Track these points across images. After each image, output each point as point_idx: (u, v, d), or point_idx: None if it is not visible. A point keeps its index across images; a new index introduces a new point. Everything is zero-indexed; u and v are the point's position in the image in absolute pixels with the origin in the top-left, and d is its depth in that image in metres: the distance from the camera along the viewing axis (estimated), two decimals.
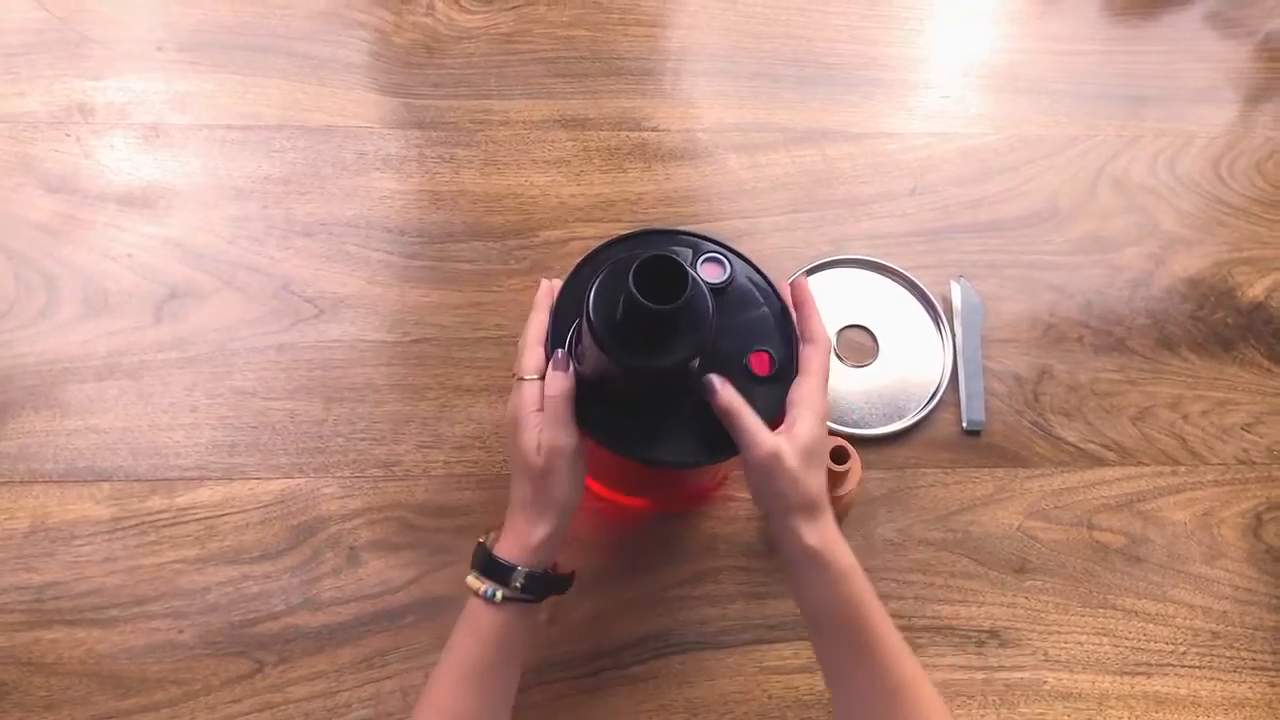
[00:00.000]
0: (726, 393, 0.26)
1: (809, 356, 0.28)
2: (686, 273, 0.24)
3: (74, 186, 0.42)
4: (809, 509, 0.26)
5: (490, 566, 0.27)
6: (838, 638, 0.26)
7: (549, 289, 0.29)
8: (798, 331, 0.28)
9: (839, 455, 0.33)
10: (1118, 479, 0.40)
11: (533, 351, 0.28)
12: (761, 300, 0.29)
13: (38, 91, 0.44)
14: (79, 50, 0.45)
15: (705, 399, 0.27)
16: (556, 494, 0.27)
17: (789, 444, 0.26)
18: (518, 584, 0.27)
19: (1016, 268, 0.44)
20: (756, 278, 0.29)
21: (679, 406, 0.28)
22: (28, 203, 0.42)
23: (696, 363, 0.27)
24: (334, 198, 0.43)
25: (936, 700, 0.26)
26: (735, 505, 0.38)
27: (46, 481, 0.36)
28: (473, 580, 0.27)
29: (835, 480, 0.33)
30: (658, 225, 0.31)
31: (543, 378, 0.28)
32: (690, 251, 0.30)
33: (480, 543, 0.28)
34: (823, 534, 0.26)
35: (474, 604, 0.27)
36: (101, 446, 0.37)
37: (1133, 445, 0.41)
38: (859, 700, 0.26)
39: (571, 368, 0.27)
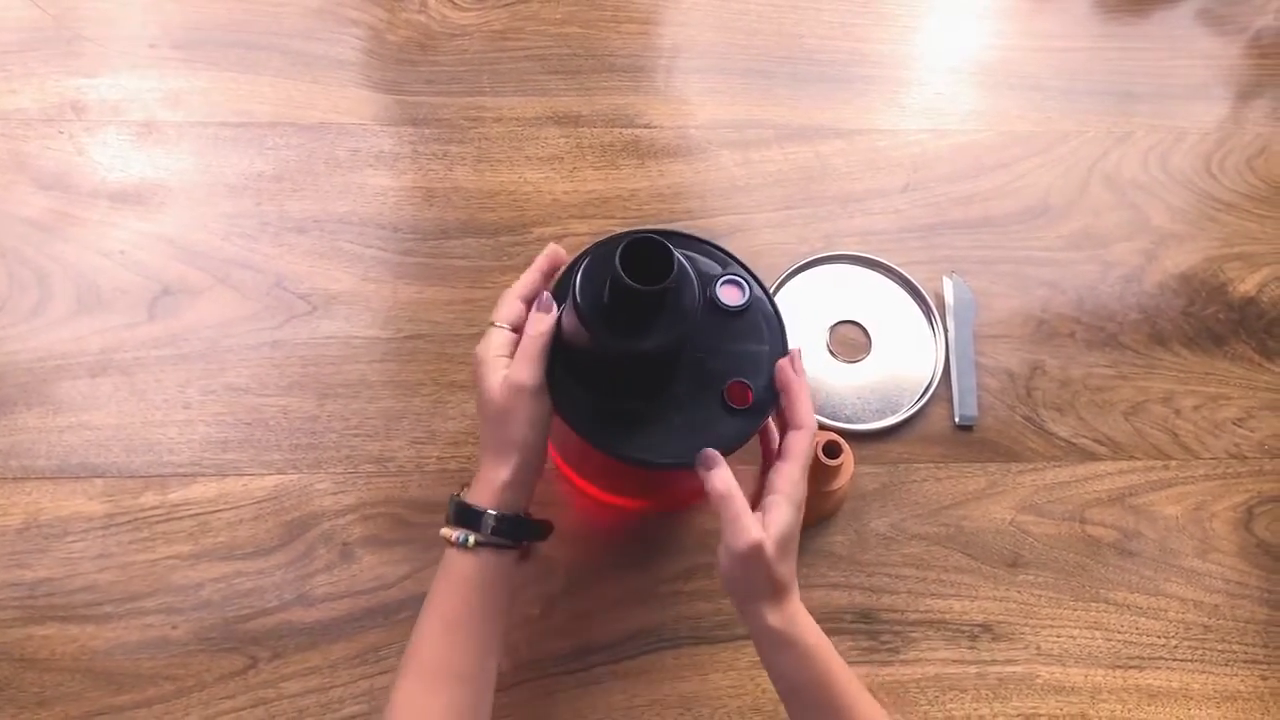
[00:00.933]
0: (723, 475, 0.26)
1: (794, 441, 0.27)
2: (673, 255, 0.24)
3: (67, 184, 0.42)
4: (776, 594, 0.26)
5: (462, 512, 0.27)
6: (807, 702, 0.26)
7: (554, 253, 0.29)
8: (786, 416, 0.27)
9: (831, 450, 0.32)
10: (1110, 473, 0.40)
11: (512, 303, 0.28)
12: (765, 337, 0.29)
13: (30, 89, 0.44)
14: (72, 47, 0.45)
15: (696, 400, 0.27)
16: (515, 434, 0.27)
17: (769, 535, 0.25)
18: (489, 528, 0.26)
19: (1009, 263, 0.44)
20: (770, 313, 0.29)
21: (664, 406, 0.28)
22: (20, 200, 0.41)
23: (681, 352, 0.27)
24: (327, 194, 0.43)
25: None
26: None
27: (39, 478, 0.36)
28: (446, 530, 0.27)
29: (828, 475, 0.33)
30: (679, 229, 0.31)
31: (515, 330, 0.27)
32: (718, 267, 0.29)
33: (453, 495, 0.28)
34: (785, 614, 0.26)
35: (449, 554, 0.27)
36: (95, 443, 0.37)
37: (1125, 440, 0.41)
38: None
39: (554, 311, 0.27)
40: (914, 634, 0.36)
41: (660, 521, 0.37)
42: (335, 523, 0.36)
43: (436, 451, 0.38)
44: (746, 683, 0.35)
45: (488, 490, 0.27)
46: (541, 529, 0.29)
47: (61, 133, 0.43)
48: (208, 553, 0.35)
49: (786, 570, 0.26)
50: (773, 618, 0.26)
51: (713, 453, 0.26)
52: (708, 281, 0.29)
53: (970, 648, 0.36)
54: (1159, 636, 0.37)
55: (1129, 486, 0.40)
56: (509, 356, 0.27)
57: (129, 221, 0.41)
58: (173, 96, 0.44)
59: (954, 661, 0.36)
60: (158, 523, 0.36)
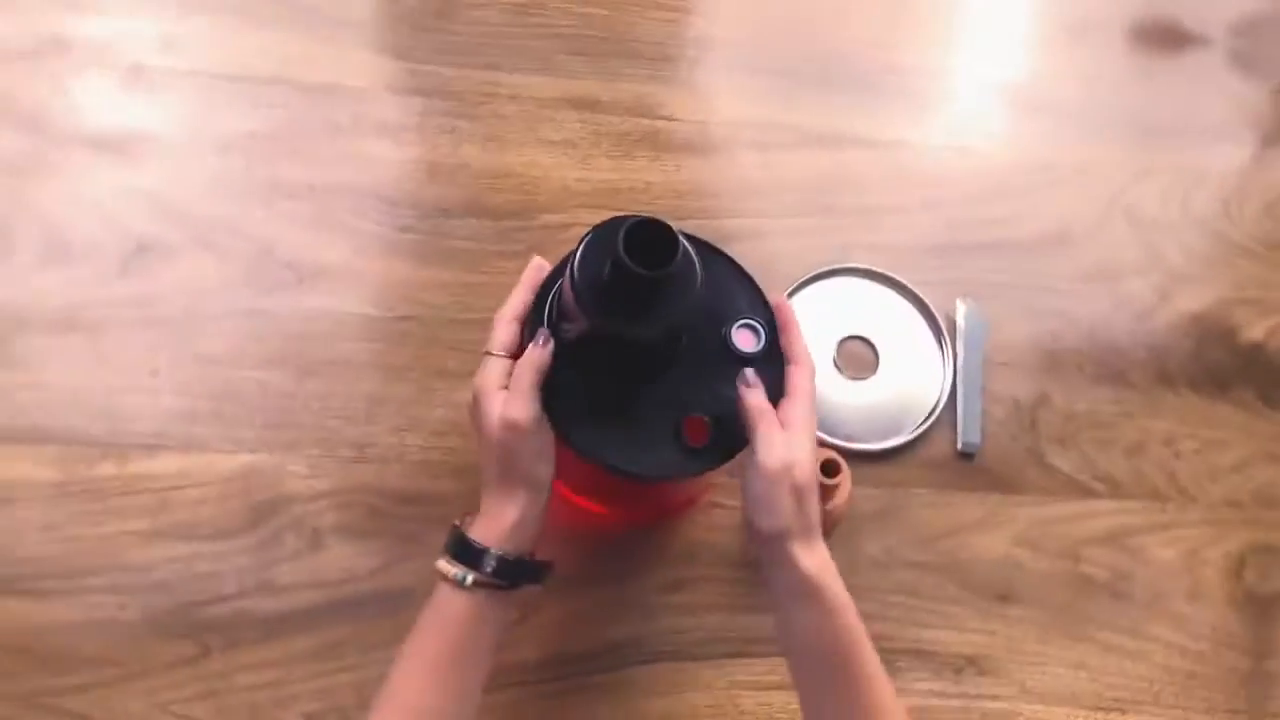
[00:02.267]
0: (759, 394, 0.25)
1: (794, 377, 0.26)
2: (677, 239, 0.22)
3: (44, 125, 0.39)
4: (806, 533, 0.25)
5: (462, 548, 0.25)
6: (821, 666, 0.25)
7: (539, 266, 0.27)
8: (785, 352, 0.27)
9: (829, 468, 0.31)
10: (1107, 512, 0.39)
11: (506, 327, 0.26)
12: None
13: (12, 18, 0.41)
14: None
15: (684, 402, 0.26)
16: (522, 470, 0.25)
17: (770, 457, 0.24)
18: (489, 568, 0.25)
19: (1022, 290, 0.43)
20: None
21: (654, 413, 0.26)
22: None
23: (681, 344, 0.25)
24: (324, 161, 0.40)
25: None
26: (720, 513, 0.36)
27: None
28: (443, 564, 0.25)
29: (824, 494, 0.31)
30: (724, 250, 0.29)
31: (513, 357, 0.26)
32: (743, 300, 0.28)
33: (455, 525, 0.26)
34: (817, 558, 0.25)
35: (443, 590, 0.25)
36: (50, 404, 0.34)
37: (1124, 479, 0.40)
38: None
39: (550, 346, 0.25)
40: (900, 663, 0.35)
41: (648, 530, 0.35)
42: (306, 508, 0.34)
43: (419, 440, 0.35)
44: (726, 704, 0.33)
45: (494, 528, 0.25)
46: (543, 572, 0.27)
47: (42, 70, 0.40)
48: (166, 531, 0.32)
49: (812, 509, 0.25)
50: (804, 559, 0.24)
51: (752, 372, 0.26)
52: (728, 317, 0.28)
53: (955, 681, 0.35)
54: (1143, 680, 0.36)
55: (1125, 527, 0.39)
56: (505, 388, 0.25)
57: (107, 171, 0.38)
58: (165, 40, 0.41)
59: (937, 694, 0.34)
60: (113, 495, 0.33)
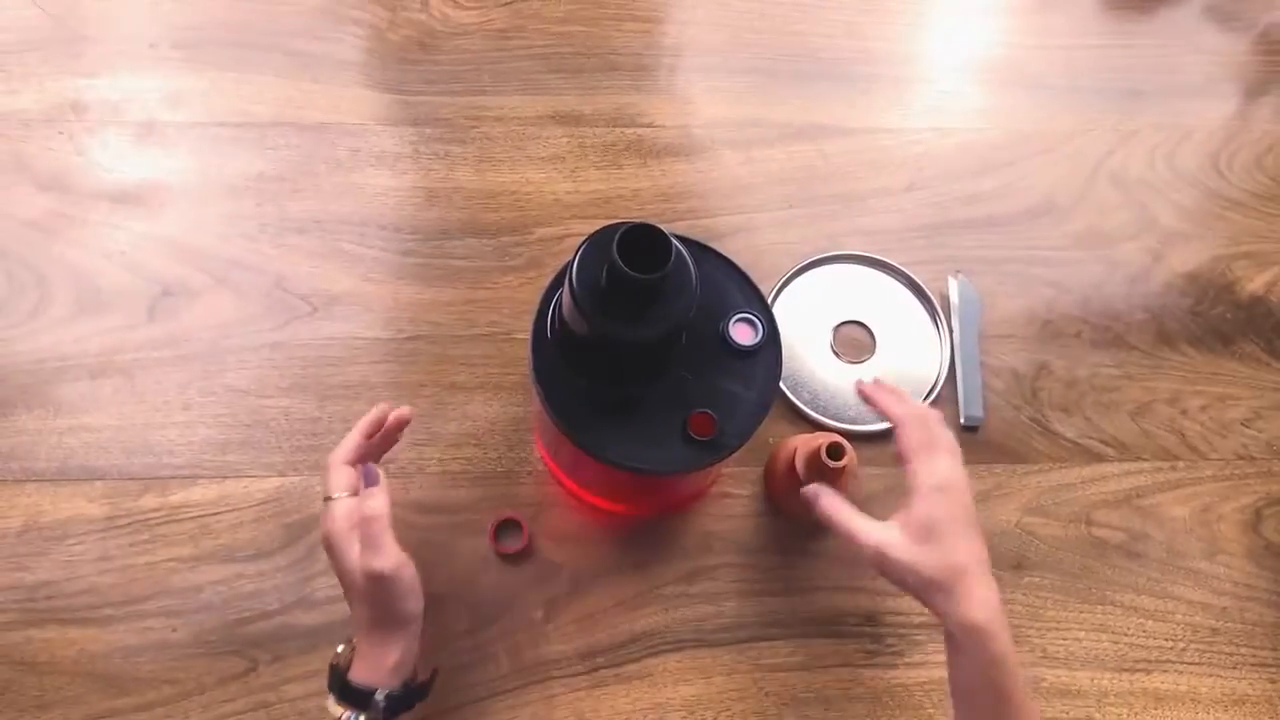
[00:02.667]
0: (829, 501, 0.27)
1: (900, 439, 0.27)
2: (670, 242, 0.23)
3: (66, 184, 0.41)
4: (942, 587, 0.25)
5: (348, 692, 0.26)
6: (975, 707, 0.25)
7: (378, 415, 0.29)
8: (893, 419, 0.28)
9: (834, 452, 0.31)
10: (1116, 475, 0.39)
11: (339, 470, 0.27)
12: (755, 383, 0.28)
13: (30, 89, 0.43)
14: (72, 47, 0.44)
15: (687, 398, 0.27)
16: (396, 612, 0.26)
17: (899, 531, 0.25)
18: (380, 707, 0.26)
19: (1014, 263, 0.43)
20: (773, 363, 0.28)
21: (659, 410, 0.27)
22: (20, 201, 0.41)
23: (681, 340, 0.26)
24: (328, 195, 0.42)
25: None
26: (731, 502, 0.37)
27: (39, 480, 0.35)
28: (333, 706, 0.26)
29: (832, 477, 0.32)
30: (713, 247, 0.30)
31: (354, 494, 0.27)
32: (738, 295, 0.29)
33: (334, 665, 0.27)
34: (965, 611, 0.24)
35: None
36: (94, 445, 0.36)
37: (1131, 441, 0.40)
38: None
39: (383, 482, 0.27)
40: (918, 637, 0.35)
41: (662, 524, 0.36)
42: None
43: (437, 453, 0.37)
44: (750, 686, 0.34)
45: (378, 669, 0.26)
46: (428, 689, 0.28)
47: (61, 133, 0.42)
48: (208, 555, 0.34)
49: (936, 558, 0.25)
50: (952, 613, 0.24)
51: (815, 487, 0.28)
52: (723, 312, 0.28)
53: None
54: (1166, 639, 0.36)
55: (1136, 488, 0.39)
56: (355, 528, 0.26)
57: (129, 222, 0.41)
58: (173, 97, 0.44)
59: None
60: (158, 525, 0.35)
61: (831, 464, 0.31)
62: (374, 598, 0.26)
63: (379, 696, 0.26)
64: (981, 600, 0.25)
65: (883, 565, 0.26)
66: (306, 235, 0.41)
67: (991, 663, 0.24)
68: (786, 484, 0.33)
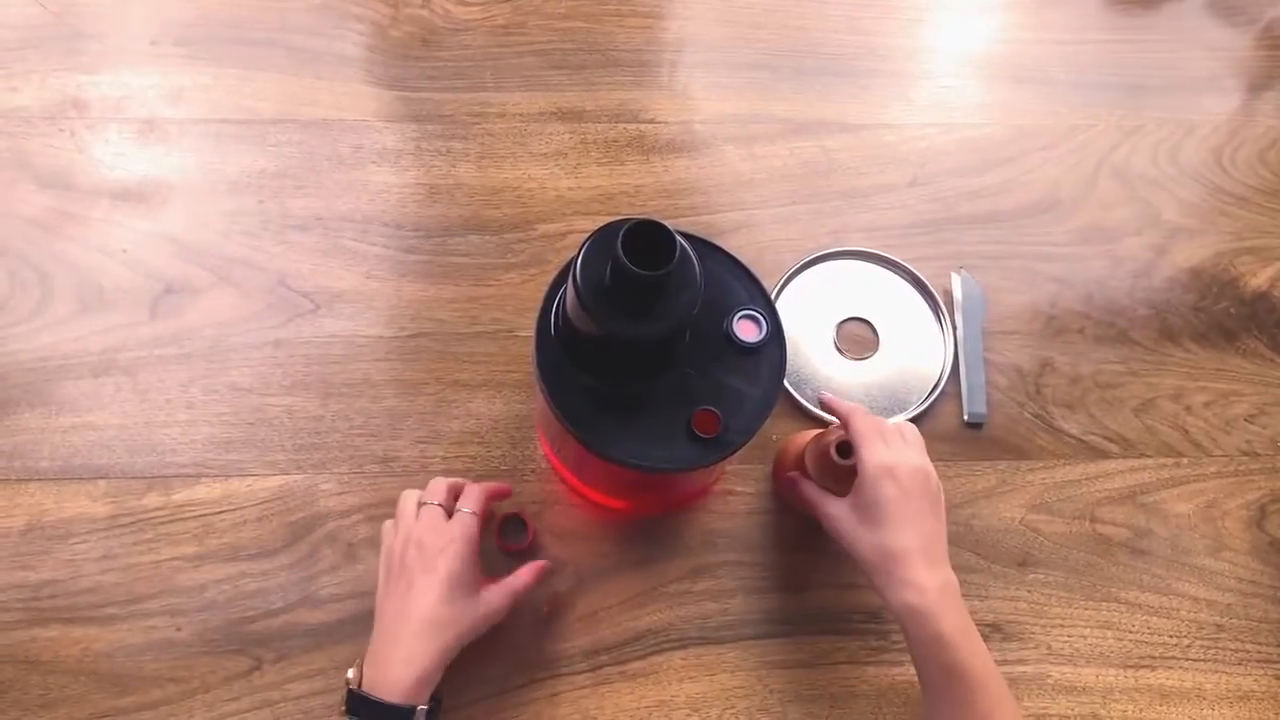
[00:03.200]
0: (802, 486, 0.30)
1: (850, 428, 0.29)
2: (675, 239, 0.23)
3: (68, 182, 0.41)
4: (877, 568, 0.26)
5: (382, 715, 0.25)
6: (938, 696, 0.25)
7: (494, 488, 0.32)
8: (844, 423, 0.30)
9: (844, 449, 0.31)
10: (1120, 471, 0.39)
11: (439, 485, 0.31)
12: (760, 380, 0.28)
13: (31, 86, 0.43)
14: (73, 45, 0.44)
15: (691, 395, 0.27)
16: (463, 636, 0.28)
17: (848, 508, 0.27)
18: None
19: (1017, 259, 0.43)
20: (776, 359, 0.28)
21: (663, 407, 0.27)
22: (21, 199, 0.40)
23: (685, 338, 0.26)
24: (330, 192, 0.41)
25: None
26: (735, 500, 0.37)
27: (42, 479, 0.35)
28: None
29: (841, 475, 0.31)
30: (716, 243, 0.29)
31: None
32: (742, 292, 0.29)
33: (354, 689, 0.26)
34: (897, 594, 0.25)
35: None
36: (97, 444, 0.36)
37: (1135, 437, 0.39)
38: None
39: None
40: None
41: (665, 522, 0.36)
42: (340, 523, 0.35)
43: (441, 451, 0.37)
44: (755, 683, 0.33)
45: (418, 685, 0.26)
46: (439, 704, 0.28)
47: (63, 131, 0.42)
48: (212, 554, 0.34)
49: (873, 541, 0.26)
50: (889, 595, 0.25)
51: (792, 479, 0.31)
52: (727, 309, 0.28)
53: None
54: (1171, 636, 0.36)
55: (1140, 484, 0.38)
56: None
57: (131, 220, 0.40)
58: (174, 93, 0.43)
59: None
60: (161, 524, 0.34)
61: (840, 461, 0.30)
62: (467, 623, 0.27)
63: (420, 714, 0.25)
64: (917, 585, 0.25)
65: (835, 538, 0.28)
66: (309, 232, 0.40)
67: (933, 641, 0.24)
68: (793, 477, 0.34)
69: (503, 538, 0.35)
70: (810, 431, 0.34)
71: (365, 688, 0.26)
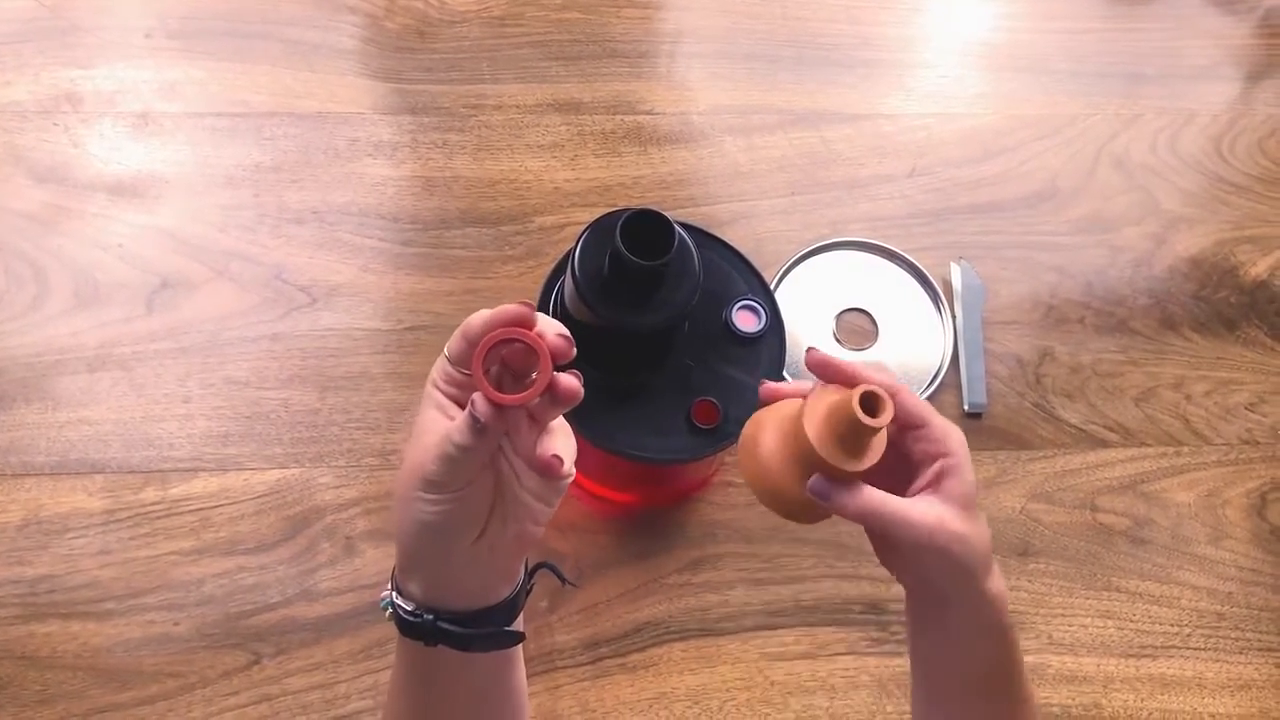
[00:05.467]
0: (859, 496, 0.19)
1: (903, 402, 0.20)
2: (673, 228, 0.22)
3: (63, 176, 0.39)
4: (987, 561, 0.20)
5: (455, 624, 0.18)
6: (982, 693, 0.21)
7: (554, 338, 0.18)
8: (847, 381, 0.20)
9: (870, 404, 0.19)
10: (1121, 460, 0.37)
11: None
12: (760, 369, 0.26)
13: (25, 80, 0.41)
14: (66, 38, 0.42)
15: (690, 386, 0.25)
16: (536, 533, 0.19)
17: (941, 503, 0.19)
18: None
19: (1017, 249, 0.41)
20: (776, 347, 0.27)
21: (663, 398, 0.26)
22: (16, 193, 0.39)
23: (684, 328, 0.24)
24: (326, 185, 0.40)
25: None
26: (734, 491, 0.35)
27: (39, 474, 0.34)
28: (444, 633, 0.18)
29: (863, 444, 0.20)
30: (693, 223, 0.28)
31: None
32: (741, 282, 0.27)
33: (419, 615, 0.19)
34: (998, 584, 0.20)
35: (445, 658, 0.19)
36: (94, 438, 0.34)
37: (1136, 426, 0.38)
38: None
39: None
40: None
41: (665, 514, 0.35)
42: (338, 517, 0.34)
43: None
44: (755, 675, 0.32)
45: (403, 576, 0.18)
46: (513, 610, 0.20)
47: (57, 125, 0.40)
48: (209, 548, 0.33)
49: (982, 531, 0.20)
50: (991, 583, 0.20)
51: (820, 481, 0.19)
52: (726, 300, 0.27)
53: None
54: (1172, 625, 0.34)
55: (1140, 473, 0.37)
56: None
57: (126, 214, 0.39)
58: (169, 87, 0.41)
59: None
60: (159, 518, 0.33)
61: (869, 422, 0.19)
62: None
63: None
64: (997, 572, 0.21)
65: (943, 548, 0.19)
66: (305, 226, 0.39)
67: (1007, 631, 0.21)
68: (781, 462, 0.21)
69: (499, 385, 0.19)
70: (790, 401, 0.21)
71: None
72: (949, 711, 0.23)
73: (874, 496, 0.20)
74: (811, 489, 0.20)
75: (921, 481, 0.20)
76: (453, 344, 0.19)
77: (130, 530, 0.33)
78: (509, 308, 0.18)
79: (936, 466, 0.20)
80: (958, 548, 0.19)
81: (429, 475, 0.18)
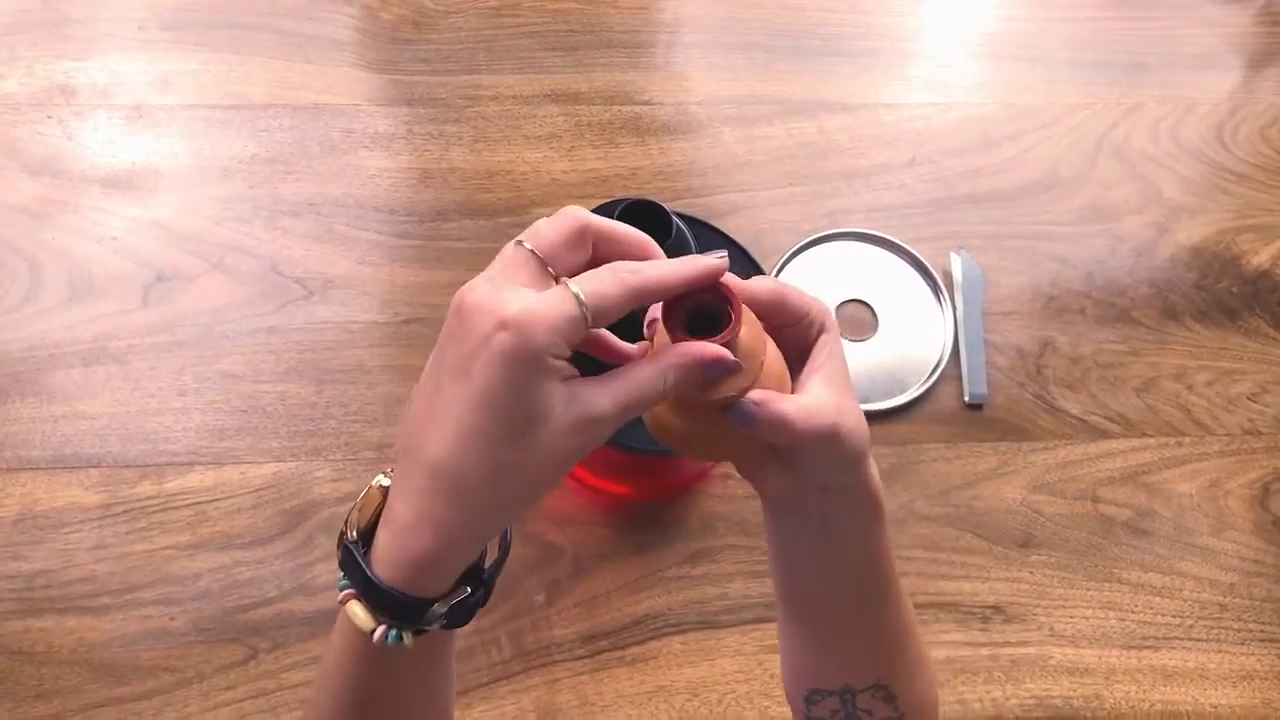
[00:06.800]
0: (769, 406, 0.16)
1: (779, 292, 0.17)
2: (670, 218, 0.21)
3: (57, 169, 0.38)
4: (868, 447, 0.17)
5: (391, 604, 0.15)
6: (873, 582, 0.20)
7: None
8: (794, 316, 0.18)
9: (713, 318, 0.16)
10: (1122, 451, 0.36)
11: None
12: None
13: (18, 73, 0.40)
14: (59, 30, 0.41)
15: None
16: (541, 487, 0.16)
17: (830, 393, 0.16)
18: (437, 618, 0.15)
19: (1017, 239, 0.40)
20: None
21: None
22: (9, 186, 0.38)
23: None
24: (322, 177, 0.39)
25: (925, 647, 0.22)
26: (733, 483, 0.34)
27: (34, 469, 0.33)
28: (358, 613, 0.16)
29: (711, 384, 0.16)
30: (711, 223, 0.27)
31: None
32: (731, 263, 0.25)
33: (354, 549, 0.15)
34: (875, 473, 0.18)
35: (370, 644, 0.16)
36: (89, 432, 0.33)
37: (1137, 417, 0.37)
38: (874, 642, 0.20)
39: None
40: (925, 617, 0.33)
41: (664, 506, 0.34)
42: (335, 510, 0.33)
43: None
44: (755, 667, 0.32)
45: (415, 568, 0.15)
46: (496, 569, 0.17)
47: (50, 117, 0.39)
48: (206, 542, 0.32)
49: (858, 412, 0.17)
50: (876, 476, 0.18)
51: (741, 410, 0.16)
52: None
53: (982, 630, 0.33)
54: (1174, 616, 0.34)
55: (1142, 464, 0.36)
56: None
57: (120, 207, 0.38)
58: (163, 79, 0.40)
59: (966, 644, 0.32)
60: (155, 512, 0.32)
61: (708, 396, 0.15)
62: (555, 457, 0.14)
63: (434, 612, 0.15)
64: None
65: (836, 434, 0.16)
66: (301, 218, 0.38)
67: (883, 506, 0.18)
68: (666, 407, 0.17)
69: (684, 328, 0.16)
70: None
71: (376, 541, 0.15)
72: (827, 619, 0.20)
73: (780, 405, 0.16)
74: (736, 420, 0.16)
75: (809, 369, 0.17)
76: (545, 236, 0.15)
77: (126, 524, 0.32)
78: (710, 264, 0.15)
79: (820, 350, 0.17)
80: (857, 432, 0.17)
81: (562, 338, 0.14)
